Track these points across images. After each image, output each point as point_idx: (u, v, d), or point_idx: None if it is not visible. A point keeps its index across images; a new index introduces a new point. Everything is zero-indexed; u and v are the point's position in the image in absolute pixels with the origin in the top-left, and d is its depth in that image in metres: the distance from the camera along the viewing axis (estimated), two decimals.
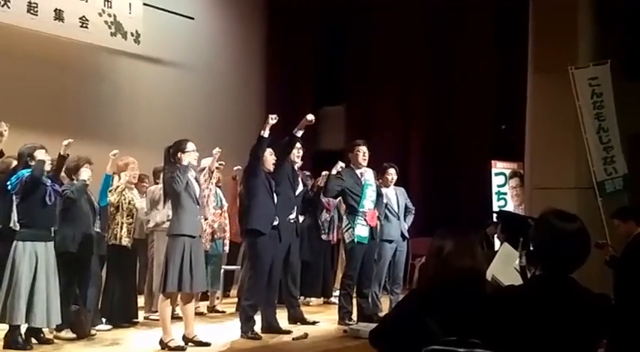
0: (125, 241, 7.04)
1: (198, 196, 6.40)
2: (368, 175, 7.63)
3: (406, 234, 8.14)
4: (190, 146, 6.28)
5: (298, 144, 7.29)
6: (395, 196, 8.09)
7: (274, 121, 6.69)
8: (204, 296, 8.31)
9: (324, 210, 9.11)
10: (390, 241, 7.91)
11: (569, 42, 8.65)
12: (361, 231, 7.43)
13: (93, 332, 6.68)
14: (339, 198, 7.88)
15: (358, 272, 7.51)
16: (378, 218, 7.65)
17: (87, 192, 6.74)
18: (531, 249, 2.74)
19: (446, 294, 2.74)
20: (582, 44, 8.65)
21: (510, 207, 10.57)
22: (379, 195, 7.67)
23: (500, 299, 2.70)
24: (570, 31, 8.68)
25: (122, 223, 7.04)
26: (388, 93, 12.01)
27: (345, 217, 7.64)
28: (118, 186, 7.06)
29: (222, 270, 8.59)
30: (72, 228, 6.57)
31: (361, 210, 7.45)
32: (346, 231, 7.53)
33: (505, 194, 10.86)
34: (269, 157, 6.91)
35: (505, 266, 3.82)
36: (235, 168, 8.38)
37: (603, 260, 6.05)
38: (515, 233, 3.87)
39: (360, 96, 12.44)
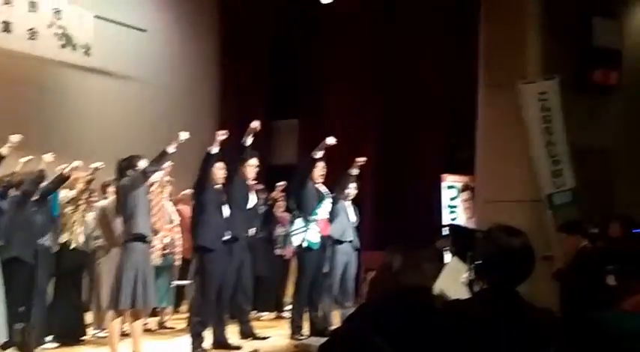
0: (81, 238, 6.96)
1: (150, 206, 6.41)
2: (323, 189, 7.77)
3: (358, 245, 8.19)
4: (142, 163, 6.25)
5: (256, 161, 7.34)
6: (352, 209, 8.19)
7: (223, 137, 6.74)
8: (153, 312, 8.19)
9: (279, 224, 9.09)
10: (342, 242, 7.93)
11: (519, 57, 8.79)
12: (313, 236, 7.49)
13: (38, 350, 6.54)
14: (294, 211, 7.91)
15: (309, 286, 7.51)
16: (331, 221, 7.73)
17: (47, 201, 6.66)
18: (478, 263, 2.75)
19: (394, 311, 2.75)
20: (532, 59, 8.79)
21: (462, 221, 10.66)
22: (334, 208, 7.78)
23: (447, 315, 2.71)
24: (520, 46, 8.81)
25: (78, 222, 7.00)
26: (341, 107, 12.04)
27: (297, 221, 7.64)
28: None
29: (172, 285, 8.49)
30: (21, 236, 6.46)
31: (315, 217, 7.50)
32: (296, 234, 7.55)
33: (457, 207, 10.95)
34: (219, 171, 6.91)
35: (453, 280, 3.83)
36: (182, 193, 8.37)
37: (550, 272, 6.14)
38: (465, 247, 3.90)
39: (314, 110, 12.45)
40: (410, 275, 2.83)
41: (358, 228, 8.35)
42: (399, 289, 2.80)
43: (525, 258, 2.66)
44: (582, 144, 8.57)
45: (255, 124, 7.13)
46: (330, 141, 7.61)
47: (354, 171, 7.99)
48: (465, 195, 10.95)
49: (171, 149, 6.21)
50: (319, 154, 7.63)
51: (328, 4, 11.35)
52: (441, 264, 4.34)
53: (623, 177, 9.42)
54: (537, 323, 2.63)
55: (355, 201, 8.49)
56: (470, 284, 2.90)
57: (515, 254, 2.64)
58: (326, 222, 7.69)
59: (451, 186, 11.00)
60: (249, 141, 7.13)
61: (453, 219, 10.64)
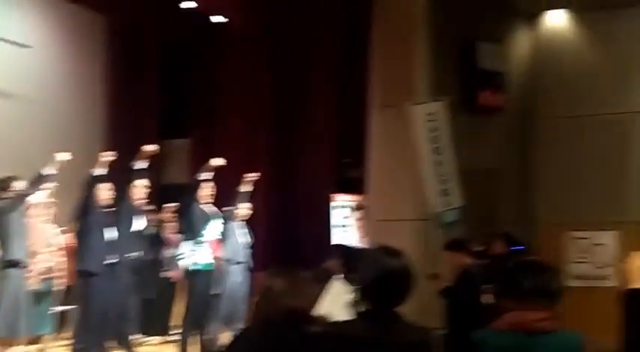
0: None
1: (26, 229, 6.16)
2: (211, 210, 7.65)
3: (251, 266, 8.13)
4: (18, 184, 6.02)
5: (145, 182, 7.20)
6: (244, 229, 8.15)
7: (105, 159, 6.61)
8: (34, 339, 7.83)
9: (166, 246, 8.89)
10: (233, 263, 7.83)
11: (409, 78, 8.96)
12: (202, 258, 7.38)
13: None
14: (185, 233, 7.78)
15: (198, 308, 7.39)
16: (221, 242, 7.64)
17: None
18: (360, 284, 2.75)
19: (273, 335, 2.72)
20: (421, 80, 8.97)
21: (354, 240, 10.73)
22: (224, 228, 7.70)
23: (326, 336, 2.69)
24: (409, 68, 8.99)
25: None
26: (233, 126, 11.97)
27: (184, 243, 7.51)
28: None
29: (53, 311, 8.14)
30: None
31: (203, 239, 7.39)
32: (184, 258, 7.43)
33: (349, 226, 11.02)
34: (104, 193, 6.73)
35: (338, 301, 3.83)
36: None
37: (436, 290, 6.23)
38: (352, 267, 3.90)
39: (205, 130, 12.33)
40: (290, 297, 2.81)
41: (252, 248, 8.29)
42: (279, 312, 2.77)
43: (403, 278, 2.67)
44: (469, 164, 8.80)
45: (149, 148, 6.97)
46: (216, 162, 7.53)
47: (242, 189, 7.96)
48: (357, 214, 11.04)
49: (47, 171, 6.00)
50: (204, 176, 7.54)
51: (222, 22, 11.31)
52: (324, 286, 4.34)
53: (508, 195, 9.75)
54: (416, 342, 2.64)
55: (248, 221, 8.43)
56: (354, 305, 2.89)
57: (393, 274, 2.65)
58: (217, 243, 7.61)
59: (344, 206, 11.08)
60: (138, 164, 6.94)
61: (345, 239, 10.70)
